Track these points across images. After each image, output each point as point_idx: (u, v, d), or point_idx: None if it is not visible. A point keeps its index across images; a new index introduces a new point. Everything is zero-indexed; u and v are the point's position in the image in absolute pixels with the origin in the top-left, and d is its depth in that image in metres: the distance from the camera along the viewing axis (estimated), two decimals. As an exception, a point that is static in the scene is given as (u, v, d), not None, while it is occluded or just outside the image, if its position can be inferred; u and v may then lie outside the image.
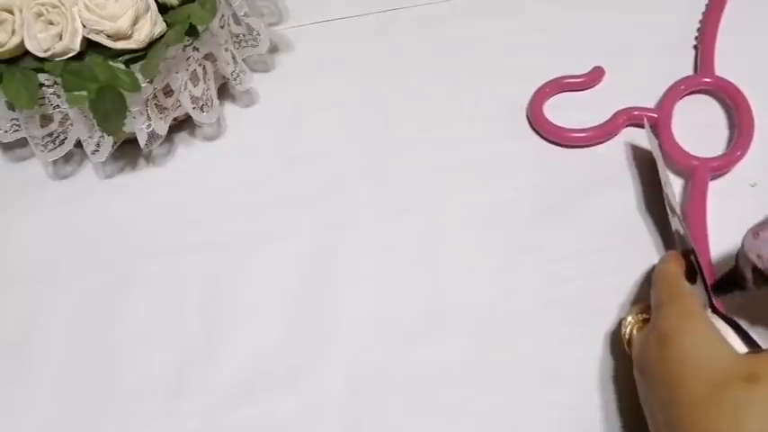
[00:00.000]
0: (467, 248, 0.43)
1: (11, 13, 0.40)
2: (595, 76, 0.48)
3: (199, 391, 0.39)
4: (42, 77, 0.40)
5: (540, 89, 0.48)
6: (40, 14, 0.40)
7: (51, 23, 0.40)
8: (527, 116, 0.47)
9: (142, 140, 0.43)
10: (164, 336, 0.41)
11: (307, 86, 0.50)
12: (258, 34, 0.47)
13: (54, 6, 0.39)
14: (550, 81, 0.48)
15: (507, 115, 0.47)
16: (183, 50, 0.42)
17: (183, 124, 0.48)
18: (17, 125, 0.43)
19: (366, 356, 0.40)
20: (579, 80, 0.48)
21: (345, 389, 0.39)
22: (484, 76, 0.49)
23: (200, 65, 0.44)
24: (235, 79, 0.46)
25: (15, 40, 0.40)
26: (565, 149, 0.46)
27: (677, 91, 0.47)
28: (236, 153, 0.47)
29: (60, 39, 0.40)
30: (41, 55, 0.40)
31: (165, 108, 0.44)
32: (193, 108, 0.45)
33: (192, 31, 0.42)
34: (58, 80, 0.40)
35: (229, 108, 0.49)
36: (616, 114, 0.46)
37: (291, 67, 0.51)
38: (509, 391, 0.38)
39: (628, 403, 0.37)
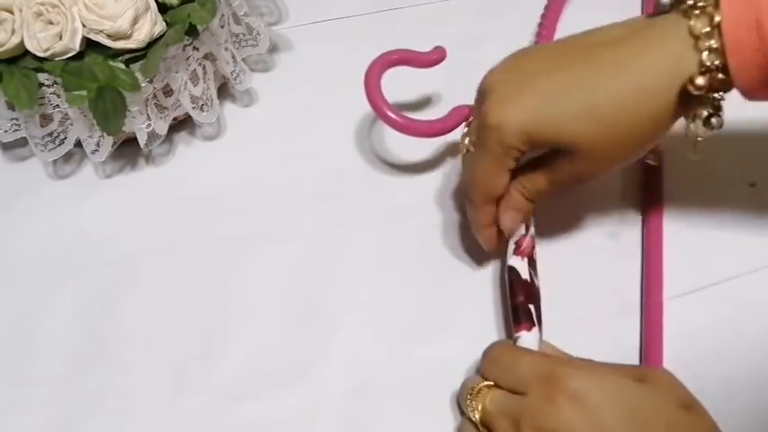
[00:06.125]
0: (466, 248, 0.43)
1: (11, 12, 0.40)
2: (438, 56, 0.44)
3: (199, 391, 0.39)
4: (42, 77, 0.40)
5: (378, 59, 0.43)
6: (39, 14, 0.40)
7: (51, 23, 0.40)
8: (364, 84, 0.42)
9: (142, 140, 0.43)
10: (163, 335, 0.41)
11: (306, 86, 0.50)
12: (258, 34, 0.47)
13: (54, 6, 0.39)
14: (393, 51, 0.43)
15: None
16: (183, 50, 0.42)
17: (183, 124, 0.48)
18: (17, 125, 0.43)
19: (366, 356, 0.40)
20: (422, 57, 0.43)
21: (345, 389, 0.39)
22: (484, 76, 0.49)
23: (200, 65, 0.44)
24: (235, 79, 0.46)
25: (15, 40, 0.40)
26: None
27: None
28: (236, 153, 0.47)
29: (60, 38, 0.40)
30: (41, 55, 0.40)
31: (165, 108, 0.44)
32: (193, 108, 0.45)
33: (192, 31, 0.42)
34: (58, 80, 0.40)
35: (229, 108, 0.49)
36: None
37: (291, 66, 0.51)
38: (509, 391, 0.38)
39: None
